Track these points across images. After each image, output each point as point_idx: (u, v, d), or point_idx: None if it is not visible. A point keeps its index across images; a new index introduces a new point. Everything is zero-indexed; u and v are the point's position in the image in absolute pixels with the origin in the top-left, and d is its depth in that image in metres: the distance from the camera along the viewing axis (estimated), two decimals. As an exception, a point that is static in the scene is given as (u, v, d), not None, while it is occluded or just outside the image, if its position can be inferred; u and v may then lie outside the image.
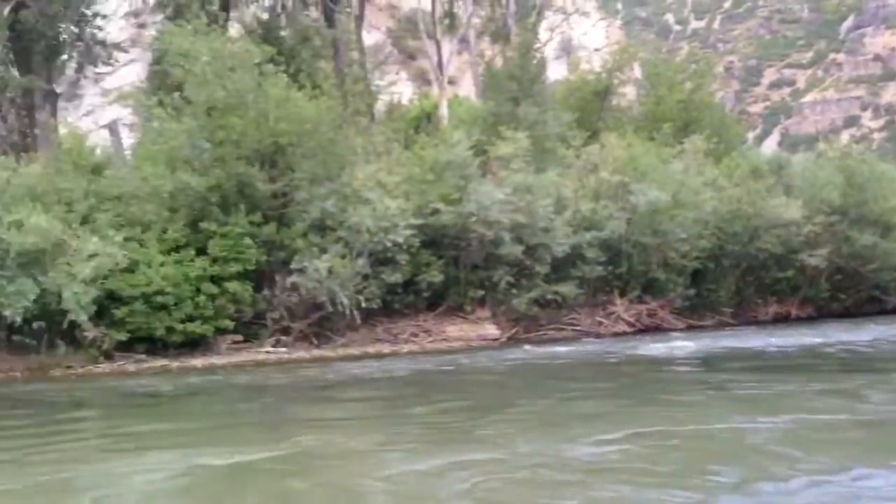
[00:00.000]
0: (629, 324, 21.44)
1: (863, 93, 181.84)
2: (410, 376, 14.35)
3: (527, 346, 18.05)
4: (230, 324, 18.00)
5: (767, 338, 18.81)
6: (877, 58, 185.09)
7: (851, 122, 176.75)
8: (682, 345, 17.53)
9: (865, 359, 14.65)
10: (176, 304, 17.22)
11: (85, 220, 17.51)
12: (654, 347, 17.11)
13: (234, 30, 24.34)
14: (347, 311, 18.08)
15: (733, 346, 17.49)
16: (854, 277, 25.86)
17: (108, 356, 16.95)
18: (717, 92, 47.92)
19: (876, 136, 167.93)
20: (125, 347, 17.20)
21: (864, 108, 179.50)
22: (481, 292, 20.25)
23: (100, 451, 8.42)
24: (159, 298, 17.04)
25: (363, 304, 18.23)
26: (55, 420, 10.66)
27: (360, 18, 30.79)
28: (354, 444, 8.21)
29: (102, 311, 16.85)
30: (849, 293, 26.00)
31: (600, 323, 21.44)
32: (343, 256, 18.27)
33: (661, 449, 7.08)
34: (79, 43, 24.19)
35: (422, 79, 40.38)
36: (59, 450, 8.36)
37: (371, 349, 18.40)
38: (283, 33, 25.77)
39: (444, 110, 29.45)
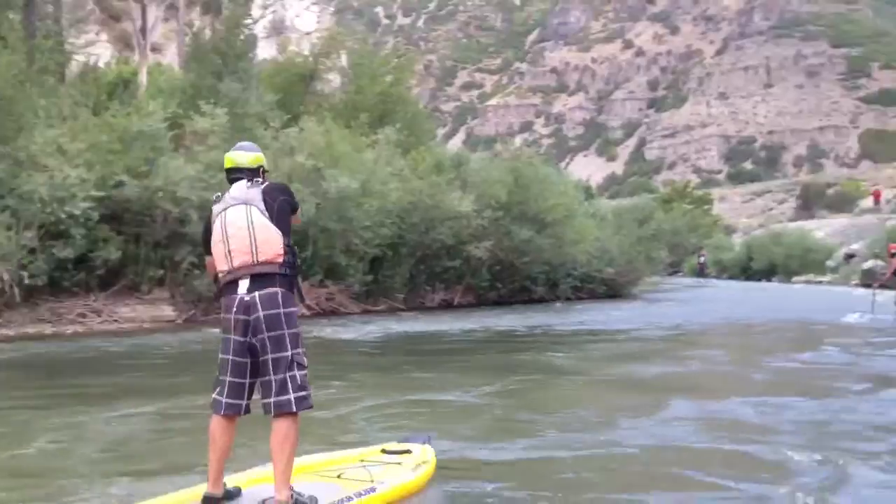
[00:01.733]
0: (308, 307, 20.63)
1: (538, 101, 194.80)
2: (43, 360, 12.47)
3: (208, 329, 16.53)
4: None
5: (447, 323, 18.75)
6: (553, 70, 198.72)
7: (526, 127, 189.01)
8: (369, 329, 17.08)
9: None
10: None
11: None
12: (336, 330, 16.51)
13: None
14: (7, 288, 15.46)
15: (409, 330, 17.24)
16: (510, 269, 26.77)
17: None
18: (415, 88, 48.57)
19: (545, 141, 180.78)
20: None
21: (538, 116, 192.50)
22: (161, 272, 18.39)
23: None
24: None
25: (26, 281, 15.61)
26: None
27: (59, -30, 27.37)
28: None
29: None
30: (505, 283, 26.86)
31: (280, 305, 20.51)
32: (9, 228, 15.64)
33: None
34: None
35: (124, 43, 36.98)
36: None
37: (31, 329, 15.75)
38: (-33, -25, 22.17)
39: (143, 78, 26.98)
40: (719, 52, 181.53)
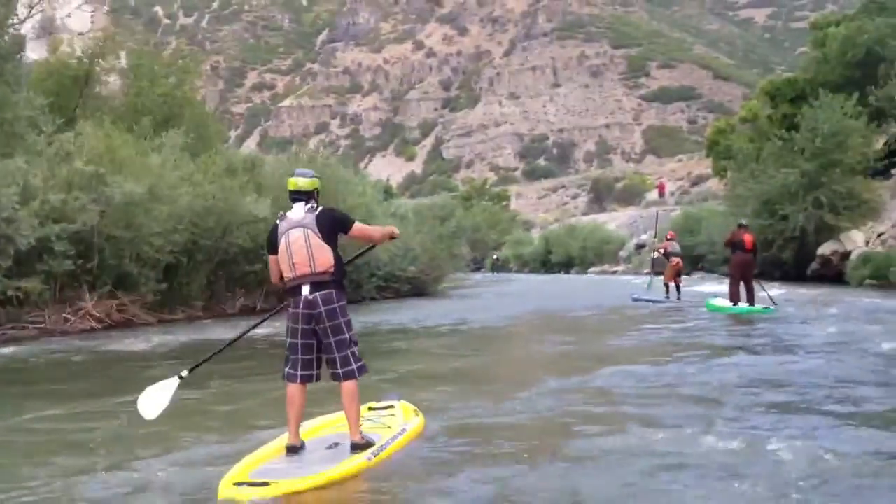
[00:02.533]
0: (98, 320, 19.64)
1: (333, 102, 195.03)
2: None
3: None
4: None
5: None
6: (346, 71, 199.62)
7: (322, 128, 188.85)
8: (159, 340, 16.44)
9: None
10: None
11: None
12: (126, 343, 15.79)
13: None
14: None
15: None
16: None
17: None
18: (202, 90, 47.34)
19: (343, 142, 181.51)
20: None
21: (334, 117, 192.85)
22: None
23: None
24: None
25: None
26: None
27: None
28: None
29: None
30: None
31: (67, 320, 19.34)
32: None
33: None
34: None
35: None
36: None
37: None
38: None
39: None
40: (507, 54, 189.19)
